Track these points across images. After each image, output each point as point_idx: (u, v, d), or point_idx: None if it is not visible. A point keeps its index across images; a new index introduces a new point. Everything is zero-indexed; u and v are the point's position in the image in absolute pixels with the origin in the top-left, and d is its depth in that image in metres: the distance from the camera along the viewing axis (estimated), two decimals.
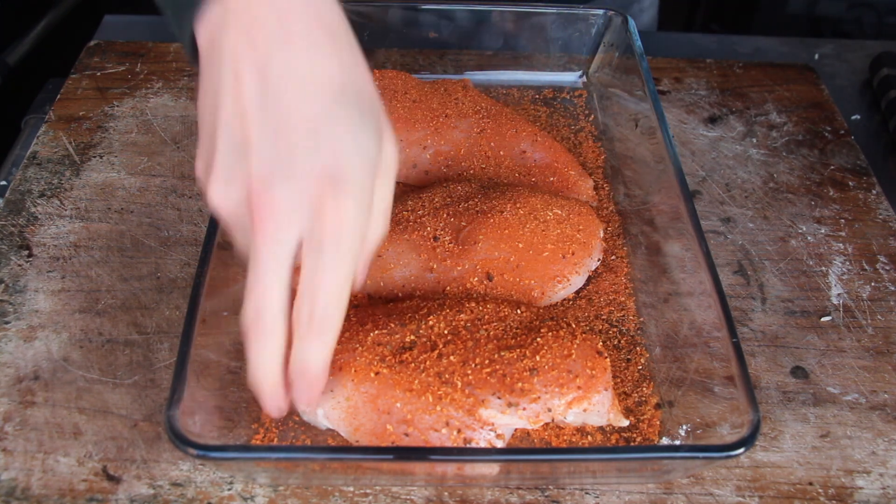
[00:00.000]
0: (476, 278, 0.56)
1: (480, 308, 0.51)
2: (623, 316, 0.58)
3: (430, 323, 0.50)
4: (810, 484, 0.51)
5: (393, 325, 0.50)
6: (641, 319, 0.58)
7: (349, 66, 0.43)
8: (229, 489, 0.49)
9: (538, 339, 0.49)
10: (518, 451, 0.47)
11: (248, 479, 0.49)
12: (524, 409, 0.46)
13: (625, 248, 0.63)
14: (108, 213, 0.65)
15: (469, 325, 0.50)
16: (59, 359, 0.55)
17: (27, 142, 0.71)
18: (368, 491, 0.49)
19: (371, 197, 0.43)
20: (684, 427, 0.52)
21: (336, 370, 0.48)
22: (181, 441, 0.42)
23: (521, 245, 0.57)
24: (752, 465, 0.52)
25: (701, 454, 0.44)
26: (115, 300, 0.58)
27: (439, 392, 0.46)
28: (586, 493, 0.50)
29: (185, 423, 0.43)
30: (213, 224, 0.51)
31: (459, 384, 0.46)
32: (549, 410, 0.47)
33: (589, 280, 0.60)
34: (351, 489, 0.49)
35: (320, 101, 0.41)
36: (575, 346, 0.49)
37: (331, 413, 0.48)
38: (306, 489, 0.49)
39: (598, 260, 0.60)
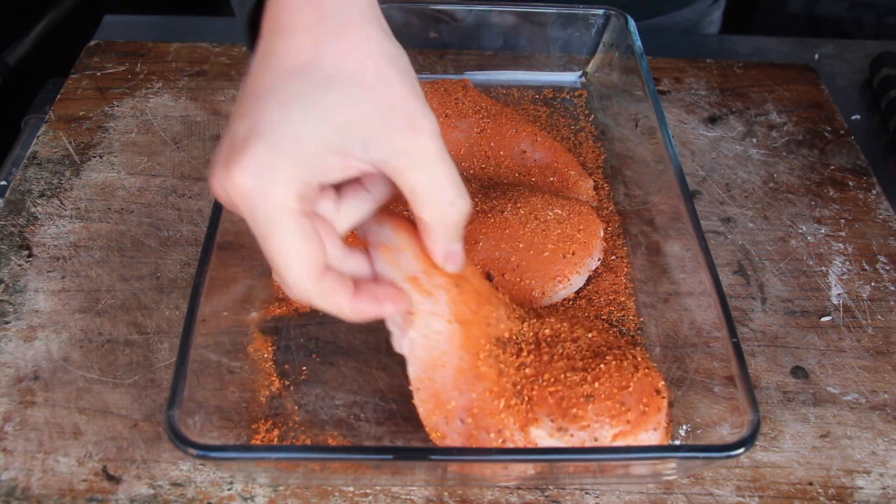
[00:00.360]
0: None
1: (558, 325, 0.51)
2: (623, 316, 0.58)
3: (523, 328, 0.50)
4: (810, 484, 0.51)
5: (500, 313, 0.50)
6: (641, 319, 0.58)
7: (330, 50, 0.40)
8: (229, 489, 0.49)
9: (601, 366, 0.48)
10: (518, 451, 0.47)
11: (248, 479, 0.49)
12: (572, 435, 0.45)
13: (625, 248, 0.63)
14: (108, 213, 0.65)
15: (550, 339, 0.50)
16: (59, 359, 0.55)
17: (27, 142, 0.71)
18: (368, 491, 0.49)
19: (301, 171, 0.39)
20: (684, 427, 0.52)
21: (452, 320, 0.47)
22: (181, 441, 0.42)
23: (521, 245, 0.57)
24: (752, 465, 0.52)
25: (701, 454, 0.44)
26: (115, 300, 0.58)
27: (511, 401, 0.46)
28: (586, 493, 0.50)
29: (185, 423, 0.43)
30: (214, 224, 0.51)
31: (526, 398, 0.46)
32: (596, 440, 0.46)
33: (589, 280, 0.60)
34: (351, 489, 0.49)
35: (272, 75, 0.40)
36: (635, 379, 0.48)
37: (418, 343, 0.47)
38: (306, 489, 0.49)
39: (599, 260, 0.60)
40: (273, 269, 0.41)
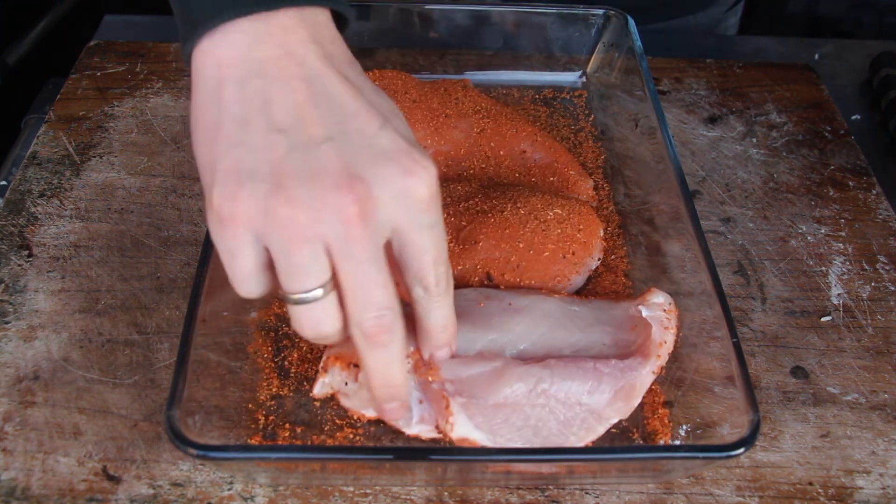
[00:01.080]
0: (476, 278, 0.56)
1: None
2: None
3: None
4: (810, 484, 0.51)
5: None
6: None
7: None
8: (229, 489, 0.49)
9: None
10: (518, 451, 0.47)
11: (248, 479, 0.49)
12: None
13: (625, 248, 0.63)
14: (108, 213, 0.65)
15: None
16: (59, 359, 0.55)
17: (27, 142, 0.71)
18: (368, 491, 0.49)
19: None
20: (684, 427, 0.52)
21: None
22: (181, 441, 0.42)
23: (521, 245, 0.57)
24: (752, 465, 0.52)
25: (701, 454, 0.44)
26: (115, 300, 0.58)
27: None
28: (586, 493, 0.50)
29: (185, 423, 0.43)
30: None
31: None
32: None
33: (589, 280, 0.60)
34: (351, 489, 0.49)
35: None
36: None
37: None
38: (306, 489, 0.49)
39: (599, 260, 0.60)
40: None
